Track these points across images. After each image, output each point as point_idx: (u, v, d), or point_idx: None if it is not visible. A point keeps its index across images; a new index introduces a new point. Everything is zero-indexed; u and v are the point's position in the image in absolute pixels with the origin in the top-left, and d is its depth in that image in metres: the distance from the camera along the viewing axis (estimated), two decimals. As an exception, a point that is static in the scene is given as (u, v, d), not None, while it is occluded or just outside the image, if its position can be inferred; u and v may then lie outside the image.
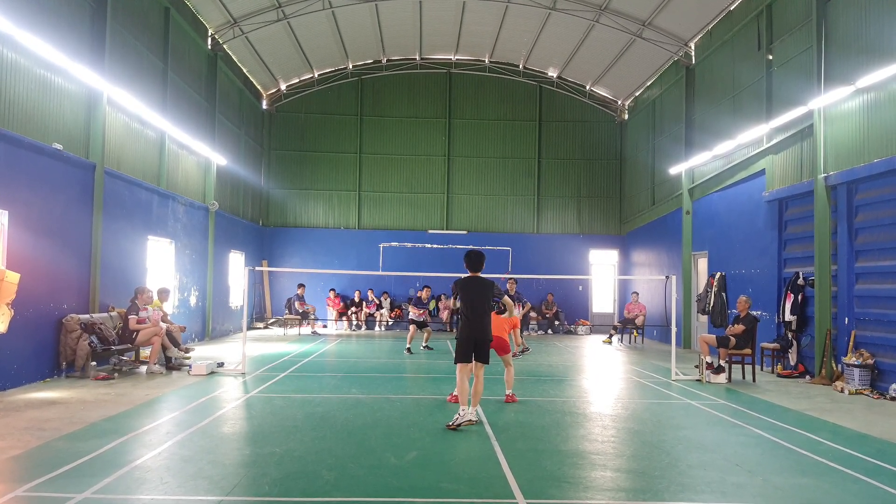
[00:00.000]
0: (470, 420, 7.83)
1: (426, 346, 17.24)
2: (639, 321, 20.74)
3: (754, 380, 12.39)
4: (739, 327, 12.50)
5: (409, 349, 16.42)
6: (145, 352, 12.74)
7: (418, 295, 18.41)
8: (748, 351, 12.50)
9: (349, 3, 20.25)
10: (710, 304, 16.81)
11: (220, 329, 20.24)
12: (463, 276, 8.55)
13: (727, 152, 16.92)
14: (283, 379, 11.75)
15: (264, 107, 25.28)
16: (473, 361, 8.21)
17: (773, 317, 14.47)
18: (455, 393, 10.05)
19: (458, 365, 8.17)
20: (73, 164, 11.93)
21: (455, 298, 8.48)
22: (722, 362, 12.48)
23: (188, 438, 7.16)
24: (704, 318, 17.62)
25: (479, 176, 26.18)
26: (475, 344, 8.18)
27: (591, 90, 26.14)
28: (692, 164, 19.00)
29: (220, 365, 12.61)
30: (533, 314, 24.24)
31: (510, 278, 16.66)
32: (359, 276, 24.23)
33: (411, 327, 17.14)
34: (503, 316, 10.04)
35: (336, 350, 17.23)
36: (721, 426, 8.41)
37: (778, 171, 14.63)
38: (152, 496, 5.28)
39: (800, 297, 13.36)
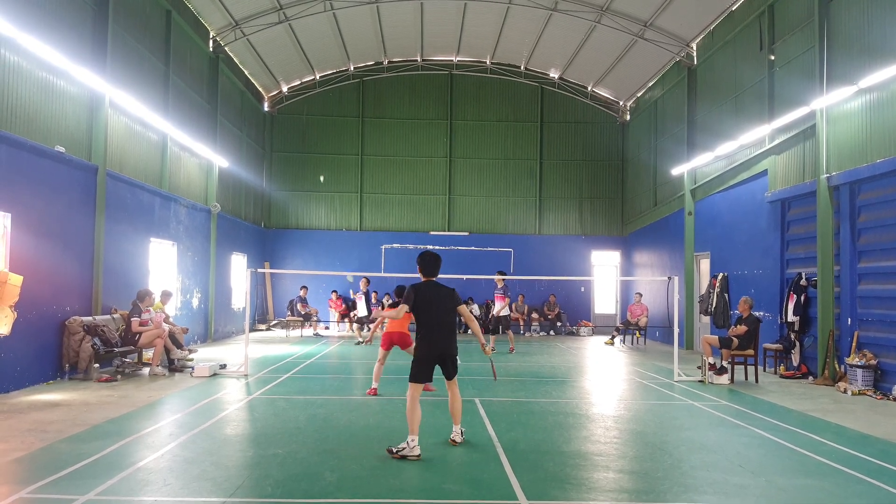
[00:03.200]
0: (417, 455, 6.52)
1: (360, 341, 18.73)
2: (642, 322, 20.73)
3: (757, 381, 12.37)
4: (742, 328, 12.48)
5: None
6: (148, 354, 12.75)
7: (360, 290, 19.51)
8: (751, 352, 12.48)
9: (350, 4, 20.28)
10: (712, 304, 16.78)
11: (223, 331, 20.25)
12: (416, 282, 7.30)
13: (729, 153, 16.91)
14: (286, 381, 11.76)
15: (266, 109, 25.32)
16: (446, 380, 7.20)
17: (775, 317, 14.45)
18: (374, 386, 10.34)
19: (411, 385, 6.89)
20: (76, 167, 11.95)
21: (405, 306, 7.08)
22: (724, 363, 12.46)
23: (191, 440, 7.16)
24: (707, 319, 17.60)
25: (480, 177, 26.19)
26: (439, 360, 7.02)
27: (593, 91, 26.14)
28: (694, 165, 18.99)
29: (223, 367, 12.61)
30: (535, 315, 24.25)
31: (499, 272, 17.34)
32: (361, 277, 24.15)
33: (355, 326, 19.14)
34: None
35: (338, 352, 17.23)
36: (724, 427, 8.40)
37: (780, 172, 14.62)
38: (155, 498, 5.28)
39: (802, 298, 13.33)
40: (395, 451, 6.59)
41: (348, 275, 21.46)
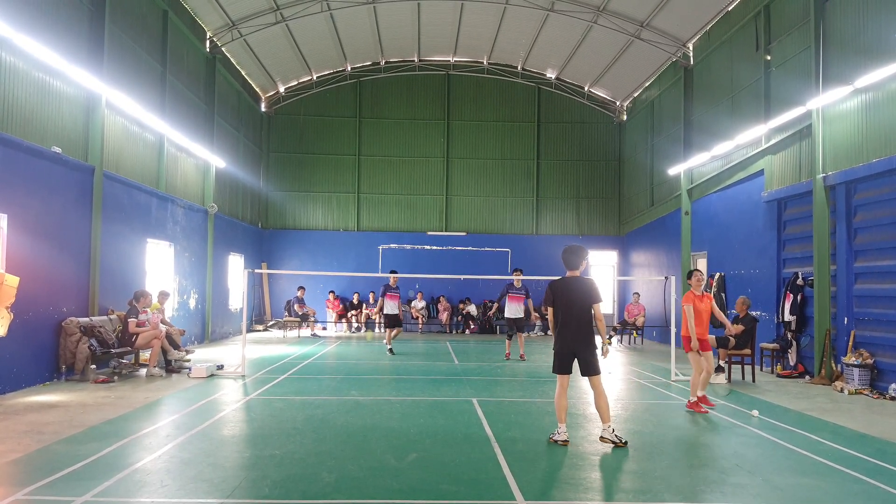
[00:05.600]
0: (564, 441, 7.13)
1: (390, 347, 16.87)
2: (639, 322, 20.75)
3: (754, 380, 12.39)
4: (739, 328, 12.50)
5: (391, 349, 16.65)
6: (145, 355, 12.73)
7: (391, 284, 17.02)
8: (748, 351, 12.51)
9: (347, 5, 20.28)
10: (709, 304, 16.77)
11: (220, 332, 20.23)
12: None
13: (726, 153, 16.94)
14: (283, 381, 11.75)
15: (263, 109, 25.29)
16: (587, 377, 7.39)
17: (772, 317, 14.48)
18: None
19: (557, 376, 7.37)
20: (72, 167, 11.93)
21: (547, 305, 7.47)
22: (721, 363, 12.49)
23: (188, 441, 7.16)
24: (704, 319, 17.57)
25: (477, 177, 26.20)
26: (575, 356, 7.31)
27: (590, 91, 26.16)
28: (691, 165, 19.02)
29: (220, 367, 12.60)
30: (534, 315, 24.22)
31: (516, 270, 16.46)
32: (358, 277, 24.24)
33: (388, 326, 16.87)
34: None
35: (336, 352, 17.22)
36: (721, 426, 8.41)
37: (777, 172, 14.65)
38: (152, 499, 5.27)
39: (799, 297, 13.36)
40: (551, 438, 7.24)
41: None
